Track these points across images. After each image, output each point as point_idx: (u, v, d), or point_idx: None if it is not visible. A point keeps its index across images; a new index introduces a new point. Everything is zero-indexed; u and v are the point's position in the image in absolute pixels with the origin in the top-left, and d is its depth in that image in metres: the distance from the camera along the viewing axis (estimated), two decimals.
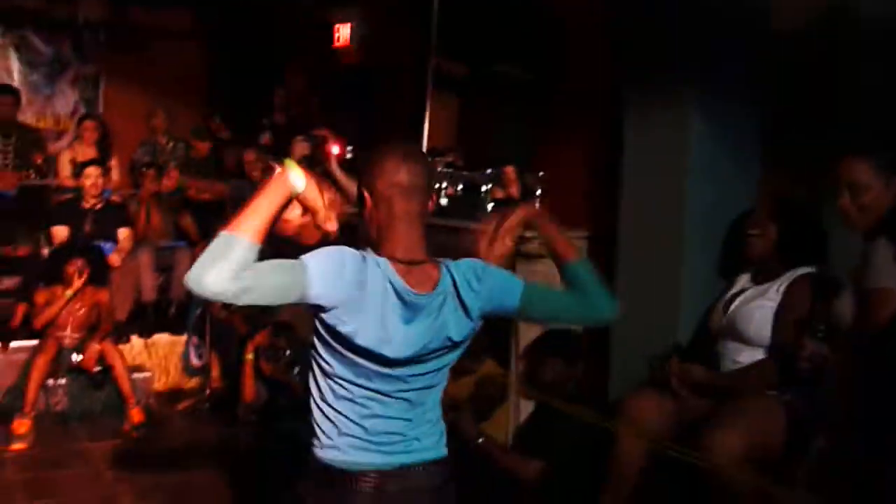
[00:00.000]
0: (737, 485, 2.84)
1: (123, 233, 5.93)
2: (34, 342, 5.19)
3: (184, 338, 5.92)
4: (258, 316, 5.00)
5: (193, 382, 5.89)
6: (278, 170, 1.87)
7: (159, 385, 5.77)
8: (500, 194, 4.67)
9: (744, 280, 3.38)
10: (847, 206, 2.70)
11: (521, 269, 4.12)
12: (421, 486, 2.02)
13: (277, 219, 1.86)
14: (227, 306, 5.68)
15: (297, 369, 4.68)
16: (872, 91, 3.28)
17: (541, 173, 4.30)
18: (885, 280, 2.50)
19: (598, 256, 4.18)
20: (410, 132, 5.73)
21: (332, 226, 1.94)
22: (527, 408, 4.08)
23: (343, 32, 6.85)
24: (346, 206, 2.16)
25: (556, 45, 4.61)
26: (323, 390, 1.98)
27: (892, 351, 2.47)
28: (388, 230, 1.98)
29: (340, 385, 1.96)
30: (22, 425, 4.76)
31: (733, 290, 3.37)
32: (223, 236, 1.80)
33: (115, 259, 5.73)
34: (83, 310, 5.19)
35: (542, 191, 4.24)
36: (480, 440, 3.62)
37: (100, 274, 5.40)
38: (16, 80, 7.77)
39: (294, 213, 1.95)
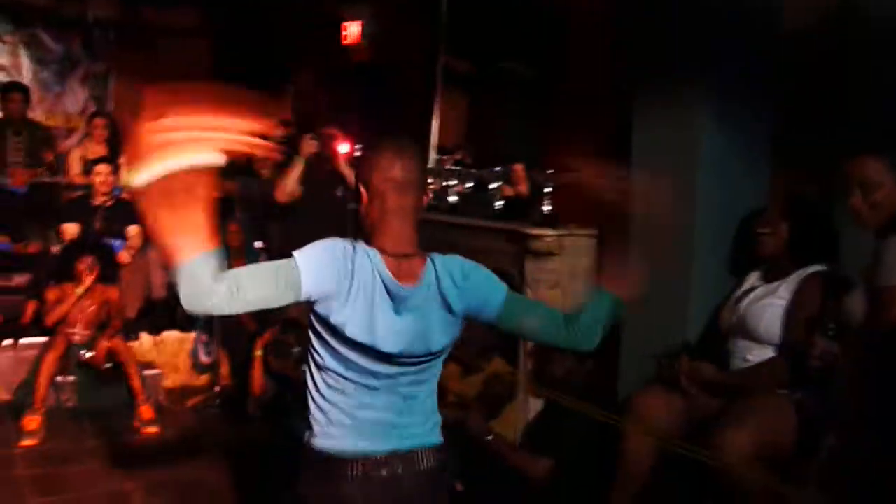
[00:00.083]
0: (747, 483, 2.83)
1: (133, 230, 5.94)
2: (44, 339, 5.22)
3: (193, 335, 5.94)
4: (267, 313, 5.00)
5: (203, 379, 5.90)
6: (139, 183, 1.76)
7: (169, 382, 5.79)
8: (509, 192, 4.67)
9: (754, 278, 3.37)
10: (858, 204, 2.70)
11: (531, 266, 4.13)
12: (412, 471, 2.06)
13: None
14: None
15: (305, 366, 4.69)
16: (883, 89, 3.27)
17: (550, 171, 4.29)
18: None
19: (608, 255, 4.18)
20: (419, 130, 5.73)
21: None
22: (536, 406, 4.08)
23: (352, 30, 6.86)
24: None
25: (564, 42, 4.61)
26: (317, 382, 2.06)
27: None
28: (380, 223, 2.03)
29: (332, 377, 2.03)
30: (32, 421, 4.78)
31: (743, 288, 3.36)
32: (179, 270, 1.78)
33: (124, 256, 5.75)
34: (93, 307, 5.21)
35: (551, 189, 4.23)
36: (489, 438, 3.62)
37: (110, 271, 5.42)
38: (26, 77, 7.80)
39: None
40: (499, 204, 4.57)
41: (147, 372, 5.40)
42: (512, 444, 3.84)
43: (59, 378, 5.13)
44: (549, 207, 4.19)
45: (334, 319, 1.95)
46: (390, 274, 1.99)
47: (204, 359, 5.86)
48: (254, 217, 6.27)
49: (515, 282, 4.18)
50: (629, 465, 3.30)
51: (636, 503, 3.28)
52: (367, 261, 1.98)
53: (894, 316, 2.49)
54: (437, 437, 2.14)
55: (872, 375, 2.59)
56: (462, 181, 4.92)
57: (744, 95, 3.61)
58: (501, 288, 2.13)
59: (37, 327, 5.42)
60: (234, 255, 5.83)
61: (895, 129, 3.02)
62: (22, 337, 5.47)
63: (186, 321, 6.02)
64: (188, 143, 1.77)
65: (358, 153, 5.12)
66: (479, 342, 4.13)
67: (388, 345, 1.98)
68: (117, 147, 6.74)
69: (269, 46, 7.77)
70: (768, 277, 3.30)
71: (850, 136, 3.21)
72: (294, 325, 4.82)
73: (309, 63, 7.58)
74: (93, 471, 4.38)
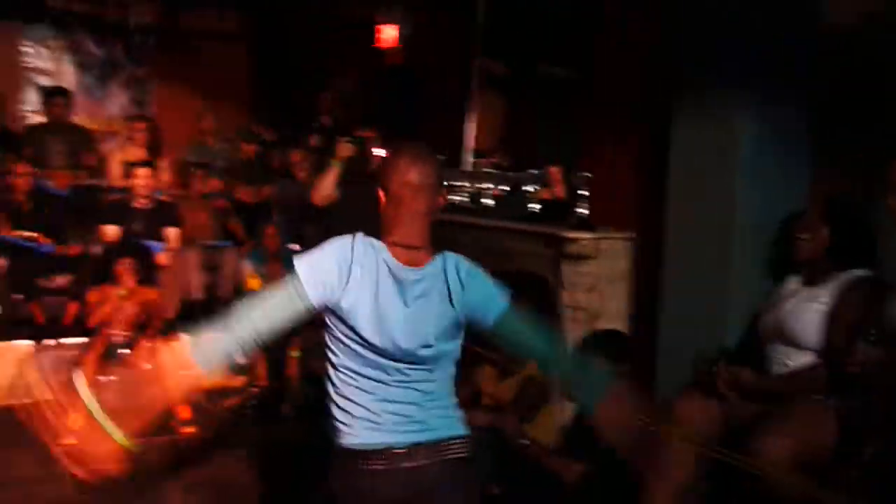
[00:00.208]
0: (785, 490, 2.79)
1: (172, 232, 6.01)
2: (86, 339, 5.29)
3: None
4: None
5: (239, 380, 5.94)
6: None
7: (206, 382, 5.83)
8: (545, 195, 4.66)
9: (794, 282, 3.32)
10: None
11: (567, 269, 4.11)
12: (436, 461, 2.10)
13: None
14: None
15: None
16: None
17: (587, 174, 4.27)
18: None
19: (645, 258, 4.15)
20: (455, 133, 5.73)
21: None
22: (571, 409, 4.06)
23: (388, 34, 6.88)
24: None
25: (601, 43, 4.58)
26: (334, 382, 2.14)
27: None
28: (394, 223, 2.15)
29: (347, 375, 2.11)
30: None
31: (783, 293, 3.32)
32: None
33: (163, 258, 5.82)
34: (133, 308, 5.28)
35: (588, 192, 4.21)
36: (524, 442, 3.61)
37: (149, 273, 5.49)
38: (69, 82, 7.94)
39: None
40: (535, 207, 4.55)
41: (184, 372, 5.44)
42: (547, 448, 3.83)
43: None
44: (586, 210, 4.17)
45: (342, 306, 2.03)
46: (395, 259, 2.09)
47: (240, 360, 5.90)
48: (290, 220, 6.31)
49: (551, 285, 4.17)
50: (665, 471, 3.27)
51: None
52: (372, 249, 2.09)
53: None
54: (460, 429, 2.18)
55: None
56: (498, 184, 4.91)
57: (784, 96, 3.56)
58: (503, 303, 2.18)
59: (78, 328, 5.51)
60: (271, 258, 5.88)
61: None
62: (63, 337, 5.57)
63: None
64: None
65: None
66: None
67: (394, 330, 2.05)
68: (157, 150, 6.84)
69: (307, 50, 7.83)
70: (808, 282, 3.26)
71: (892, 137, 3.16)
72: None
73: (345, 66, 7.62)
74: (132, 469, 4.43)
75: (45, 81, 7.88)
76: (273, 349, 5.49)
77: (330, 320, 2.10)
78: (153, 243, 5.83)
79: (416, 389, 2.11)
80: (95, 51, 8.17)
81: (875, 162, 3.14)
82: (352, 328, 2.06)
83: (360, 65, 7.35)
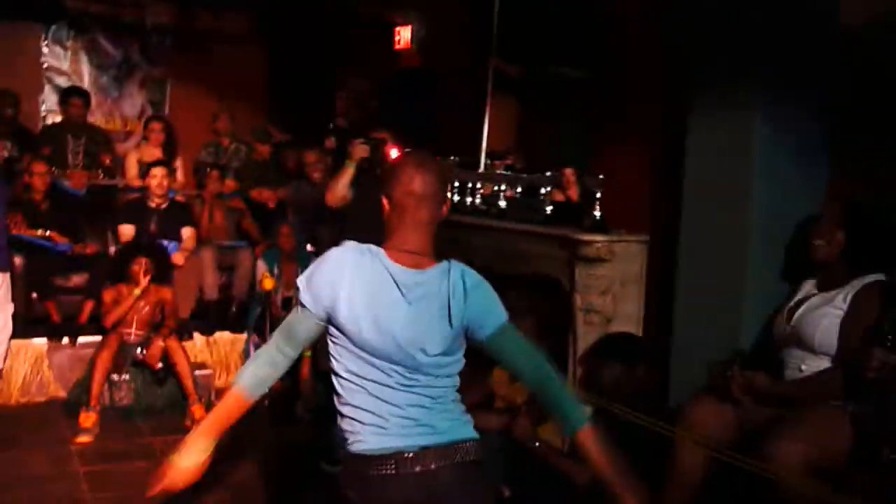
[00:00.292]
0: (799, 496, 2.77)
1: (187, 232, 6.04)
2: (100, 338, 5.32)
3: (244, 336, 6.01)
4: None
5: None
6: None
7: (220, 382, 5.86)
8: (559, 197, 4.65)
9: (809, 286, 3.30)
10: None
11: (581, 272, 4.10)
12: (446, 465, 2.09)
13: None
14: (286, 306, 5.77)
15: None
16: None
17: (600, 176, 4.26)
18: None
19: (659, 261, 4.14)
20: (469, 134, 5.73)
21: None
22: None
23: (403, 35, 6.89)
24: None
25: (616, 45, 4.57)
26: (341, 390, 2.15)
27: None
28: (397, 231, 2.16)
29: (353, 381, 2.12)
30: (88, 419, 4.87)
31: (798, 297, 3.30)
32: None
33: (179, 258, 5.84)
34: (147, 307, 5.31)
35: (601, 193, 4.20)
36: (536, 444, 3.60)
37: (164, 272, 5.52)
38: (86, 82, 7.98)
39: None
40: (549, 209, 4.54)
41: (199, 372, 5.47)
42: (559, 450, 3.82)
43: (114, 377, 5.23)
44: (600, 213, 4.16)
45: (340, 314, 2.07)
46: (395, 263, 2.11)
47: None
48: (305, 220, 6.32)
49: (565, 288, 4.16)
50: (679, 475, 3.25)
51: None
52: (369, 254, 2.11)
53: None
54: (470, 433, 2.18)
55: None
56: (512, 186, 4.91)
57: (799, 98, 3.54)
58: (500, 318, 2.19)
59: (93, 326, 5.54)
60: (286, 258, 5.90)
61: None
62: (79, 336, 5.60)
63: (238, 322, 6.11)
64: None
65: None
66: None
67: (394, 329, 2.06)
68: (172, 150, 6.87)
69: (322, 51, 7.85)
70: (824, 286, 3.24)
71: None
72: None
73: (361, 68, 7.63)
74: (145, 468, 4.44)
75: (62, 81, 7.93)
76: None
77: (332, 328, 2.13)
78: (168, 243, 5.85)
79: (422, 394, 2.11)
80: (112, 51, 8.20)
81: (891, 164, 3.13)
82: (352, 332, 2.08)
83: (376, 66, 7.37)
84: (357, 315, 2.06)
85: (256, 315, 5.89)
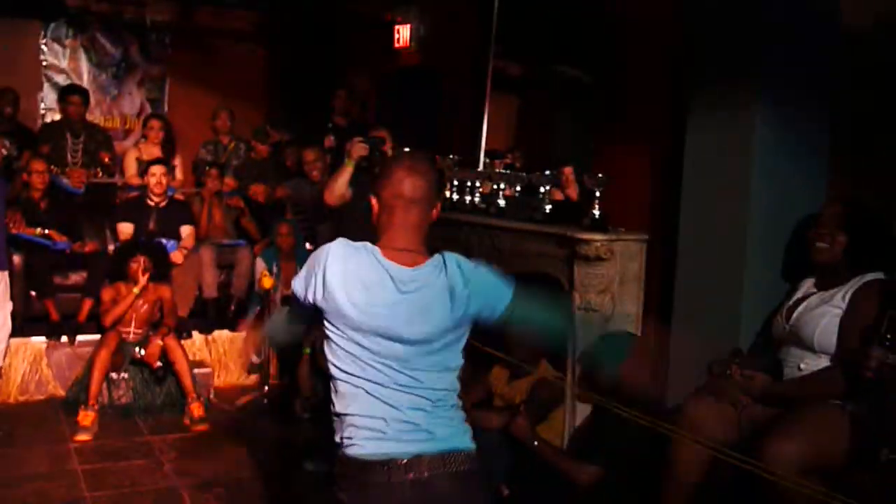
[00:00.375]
0: (797, 495, 2.77)
1: (186, 230, 6.04)
2: (99, 336, 5.32)
3: (243, 334, 6.01)
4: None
5: (252, 379, 5.97)
6: None
7: (219, 381, 5.87)
8: (558, 196, 4.64)
9: (808, 285, 3.30)
10: None
11: (581, 270, 4.10)
12: (441, 474, 2.07)
13: None
14: (285, 304, 5.76)
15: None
16: None
17: (600, 175, 4.26)
18: None
19: (659, 260, 4.14)
20: (469, 133, 5.72)
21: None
22: (583, 411, 4.05)
23: (403, 33, 6.88)
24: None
25: (616, 44, 4.57)
26: (337, 393, 2.14)
27: None
28: (387, 233, 2.17)
29: (349, 384, 2.11)
30: (86, 417, 4.88)
31: (797, 296, 3.29)
32: None
33: (178, 256, 5.84)
34: (146, 306, 5.31)
35: (601, 192, 4.20)
36: (536, 443, 3.60)
37: (163, 271, 5.52)
38: (85, 80, 7.99)
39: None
40: (548, 207, 4.54)
41: (198, 370, 5.48)
42: (559, 449, 3.82)
43: (112, 375, 5.23)
44: (599, 211, 4.16)
45: (330, 306, 2.09)
46: (386, 259, 2.11)
47: (254, 358, 5.93)
48: (304, 219, 6.33)
49: (564, 286, 4.15)
50: (678, 474, 3.25)
51: None
52: (364, 251, 2.12)
53: None
54: (467, 443, 2.15)
55: None
56: (511, 184, 4.90)
57: (800, 97, 3.54)
58: (508, 289, 2.22)
59: (92, 325, 5.54)
60: (285, 257, 5.90)
61: None
62: (78, 334, 5.60)
63: (237, 321, 6.11)
64: None
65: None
66: (526, 346, 4.11)
67: (388, 319, 2.06)
68: (171, 149, 6.86)
69: (321, 50, 7.84)
70: (823, 285, 3.23)
71: None
72: None
73: (360, 66, 7.63)
74: (144, 466, 4.46)
75: (61, 79, 7.93)
76: (286, 348, 5.51)
77: (328, 326, 2.13)
78: (167, 241, 5.85)
79: (422, 396, 2.10)
80: (111, 49, 8.21)
81: (891, 164, 3.12)
82: (346, 326, 2.09)
83: (376, 65, 7.36)
84: (352, 303, 2.07)
85: (255, 313, 5.89)
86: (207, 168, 6.59)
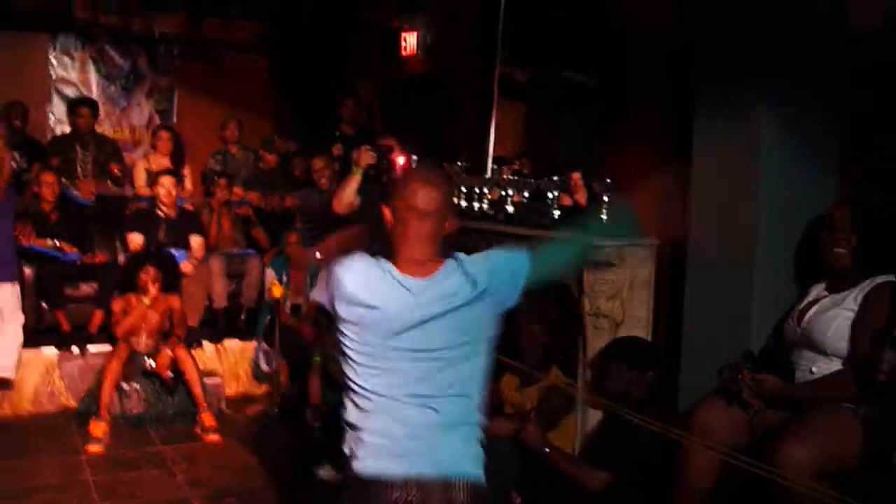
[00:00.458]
0: (809, 500, 2.75)
1: (196, 240, 6.05)
2: (110, 347, 5.33)
3: (254, 344, 6.02)
4: (326, 318, 5.04)
5: (263, 388, 5.97)
6: None
7: (230, 390, 5.87)
8: (567, 201, 4.63)
9: (819, 288, 3.28)
10: None
11: (590, 276, 4.09)
12: (440, 500, 2.02)
13: None
14: (295, 313, 5.77)
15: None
16: None
17: (608, 180, 4.25)
18: None
19: (668, 265, 4.13)
20: (476, 140, 5.73)
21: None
22: (594, 417, 4.03)
23: (410, 41, 6.89)
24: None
25: (623, 49, 4.56)
26: (348, 406, 2.13)
27: None
28: (401, 245, 2.16)
29: (362, 396, 2.09)
30: (98, 428, 4.88)
31: (808, 299, 3.28)
32: None
33: (187, 266, 5.85)
34: (156, 316, 5.31)
35: (609, 197, 4.19)
36: (547, 450, 3.59)
37: (173, 281, 5.53)
38: (94, 92, 8.03)
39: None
40: (557, 213, 4.53)
41: (208, 380, 5.48)
42: (570, 456, 3.80)
43: (124, 386, 5.24)
44: (608, 216, 4.15)
45: (353, 314, 2.08)
46: (399, 271, 2.11)
47: (264, 368, 5.94)
48: (313, 228, 6.33)
49: (573, 292, 4.15)
50: (689, 479, 3.24)
51: None
52: (379, 265, 2.13)
53: None
54: (475, 470, 2.10)
55: None
56: (519, 190, 4.89)
57: (808, 100, 3.53)
58: (523, 259, 2.24)
59: (103, 335, 5.56)
60: (294, 266, 5.90)
61: None
62: (89, 345, 5.62)
63: (247, 330, 6.12)
64: None
65: (415, 165, 5.14)
66: (537, 353, 4.10)
67: (404, 327, 2.05)
68: (180, 159, 6.89)
69: (328, 58, 7.87)
70: (834, 287, 3.21)
71: None
72: None
73: (367, 74, 7.65)
74: (156, 477, 4.46)
75: (70, 92, 7.97)
76: (296, 358, 5.51)
77: (342, 338, 2.12)
78: (177, 251, 5.86)
79: (434, 409, 2.06)
80: (120, 61, 8.25)
81: None
82: (361, 340, 2.08)
83: (383, 73, 7.38)
84: (368, 316, 2.07)
85: (265, 322, 5.90)
86: (216, 178, 6.61)
